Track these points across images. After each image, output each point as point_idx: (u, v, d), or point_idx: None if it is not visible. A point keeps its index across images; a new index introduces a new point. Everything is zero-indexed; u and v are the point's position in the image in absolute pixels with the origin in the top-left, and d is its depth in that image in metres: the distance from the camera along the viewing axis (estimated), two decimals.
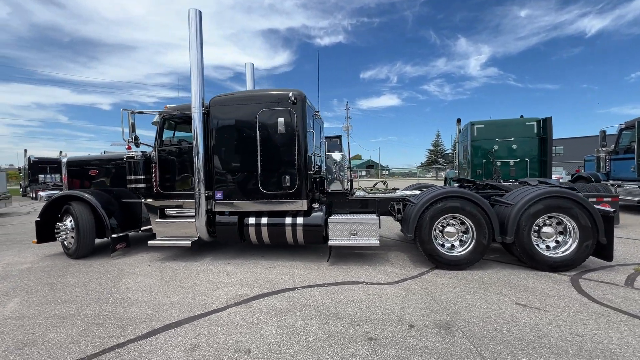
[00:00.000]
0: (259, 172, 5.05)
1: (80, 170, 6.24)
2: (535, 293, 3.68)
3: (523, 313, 3.19)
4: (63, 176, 6.27)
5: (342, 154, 5.66)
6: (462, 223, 4.70)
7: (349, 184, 5.76)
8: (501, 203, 4.83)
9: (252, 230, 5.16)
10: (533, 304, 3.40)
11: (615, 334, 2.76)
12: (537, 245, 4.53)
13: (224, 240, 5.31)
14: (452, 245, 4.75)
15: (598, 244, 4.32)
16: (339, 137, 20.72)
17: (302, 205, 5.02)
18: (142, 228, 5.96)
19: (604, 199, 7.65)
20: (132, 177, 5.51)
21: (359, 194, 5.85)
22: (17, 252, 6.06)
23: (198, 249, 6.06)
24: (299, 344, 2.70)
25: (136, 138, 5.20)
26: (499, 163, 11.18)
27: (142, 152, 5.64)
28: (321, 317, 3.20)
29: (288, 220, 5.09)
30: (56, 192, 5.87)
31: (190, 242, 5.27)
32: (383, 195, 5.64)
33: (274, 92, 5.02)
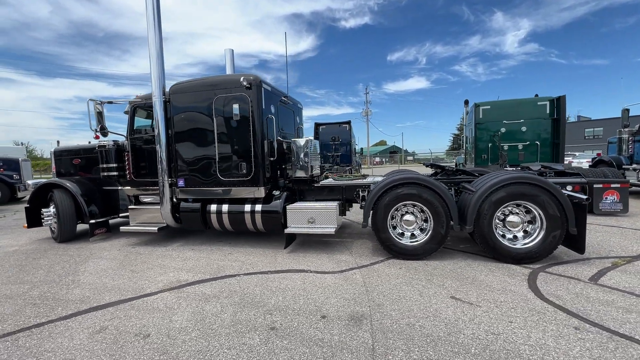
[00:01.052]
0: (217, 159, 5.04)
1: (67, 159, 6.59)
2: (480, 286, 3.43)
3: (450, 308, 2.98)
4: (52, 165, 6.66)
5: (308, 140, 5.51)
6: (423, 211, 4.45)
7: (314, 170, 5.63)
8: (467, 190, 4.51)
9: (214, 217, 5.22)
10: (469, 298, 3.17)
11: (537, 333, 2.51)
12: (504, 235, 4.20)
13: (189, 226, 5.42)
14: (413, 234, 4.53)
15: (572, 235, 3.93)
16: (348, 122, 20.33)
17: (259, 192, 4.98)
18: (121, 214, 6.23)
19: (612, 185, 6.95)
20: (105, 166, 5.73)
21: (326, 180, 5.70)
22: (16, 236, 6.58)
23: (174, 234, 6.25)
24: (200, 331, 2.71)
25: (102, 128, 5.36)
26: (505, 147, 10.45)
27: (113, 141, 5.83)
28: (241, 304, 3.18)
29: (247, 207, 5.09)
30: (41, 180, 6.24)
31: (157, 228, 5.44)
32: (348, 182, 5.45)
33: (228, 78, 4.94)
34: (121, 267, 4.44)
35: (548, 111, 10.17)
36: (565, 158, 22.53)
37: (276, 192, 5.21)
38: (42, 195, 6.10)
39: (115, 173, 5.78)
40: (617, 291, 3.21)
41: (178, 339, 2.60)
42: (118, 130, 5.84)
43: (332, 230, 4.69)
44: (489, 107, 10.69)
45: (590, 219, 6.53)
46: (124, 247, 5.53)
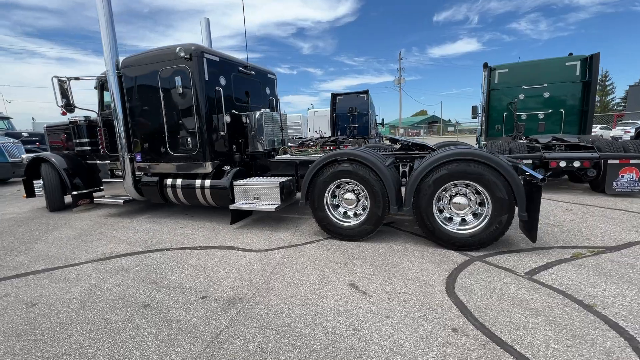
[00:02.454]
0: (166, 134, 5.03)
1: (55, 135, 7.04)
2: (393, 274, 3.13)
3: (338, 297, 2.76)
4: (47, 141, 7.17)
5: (262, 112, 5.27)
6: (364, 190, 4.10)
7: (270, 144, 5.42)
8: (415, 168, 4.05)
9: (169, 191, 5.31)
10: (368, 287, 2.90)
11: (403, 333, 2.22)
12: (451, 218, 3.76)
13: (151, 200, 5.60)
14: (356, 214, 4.24)
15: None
16: (366, 92, 19.38)
17: (206, 167, 4.92)
18: (102, 187, 6.61)
19: (631, 161, 5.87)
20: (77, 141, 6.03)
21: (282, 156, 5.48)
22: (22, 205, 7.32)
23: (154, 207, 6.54)
24: (81, 303, 2.81)
25: (68, 104, 5.57)
26: (523, 116, 9.25)
27: (85, 117, 6.07)
28: (141, 279, 3.24)
29: (198, 182, 5.09)
30: (31, 155, 6.78)
31: (122, 201, 5.72)
32: (301, 157, 5.18)
33: (168, 49, 4.76)
34: (77, 237, 4.75)
35: (578, 73, 8.70)
36: (622, 127, 19.58)
37: (227, 167, 5.13)
38: (34, 169, 6.64)
39: (88, 148, 6.07)
40: (546, 288, 2.73)
41: (60, 309, 2.72)
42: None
43: (272, 208, 4.55)
44: (506, 70, 9.41)
45: (598, 199, 5.67)
46: (97, 217, 5.91)
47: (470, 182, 3.53)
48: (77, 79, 5.79)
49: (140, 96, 5.12)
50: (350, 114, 19.30)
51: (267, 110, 5.51)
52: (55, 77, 5.45)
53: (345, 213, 4.26)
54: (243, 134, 5.43)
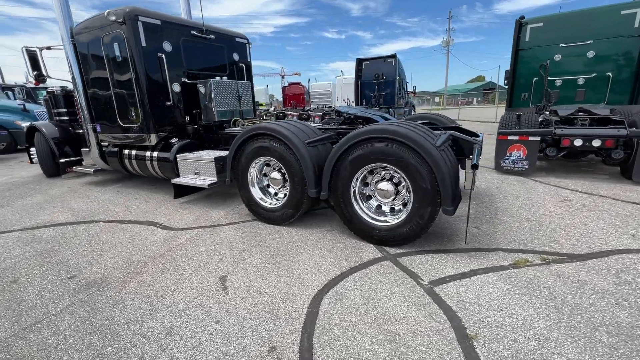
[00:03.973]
0: (115, 104, 4.93)
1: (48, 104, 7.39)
2: (280, 270, 2.75)
3: (191, 291, 2.48)
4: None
5: (213, 81, 4.89)
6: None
7: (223, 115, 5.09)
8: None
9: (127, 161, 5.32)
10: (237, 283, 2.58)
11: (208, 345, 1.89)
12: (380, 206, 3.20)
13: (116, 170, 5.69)
14: (280, 195, 3.85)
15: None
16: (394, 56, 17.77)
17: (151, 139, 4.77)
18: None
19: None
20: (55, 111, 6.25)
21: (232, 128, 5.11)
22: (30, 171, 8.00)
23: (133, 177, 6.73)
24: None
25: (39, 74, 5.70)
26: (557, 82, 7.67)
27: (61, 87, 6.22)
28: (40, 253, 3.25)
29: (147, 153, 5.00)
30: (28, 124, 7.24)
31: (92, 170, 5.91)
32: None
33: (106, 13, 4.50)
34: (39, 204, 5.02)
35: (637, 24, 6.81)
36: None
37: (174, 140, 4.95)
38: (32, 137, 7.13)
39: (65, 118, 6.29)
40: (434, 305, 2.17)
41: None
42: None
43: (205, 184, 4.30)
44: (540, 24, 7.73)
45: (619, 188, 4.62)
46: (75, 185, 6.23)
47: (387, 166, 2.90)
48: (48, 48, 5.87)
49: (92, 65, 5.02)
50: (376, 81, 17.92)
51: (220, 78, 5.10)
52: (25, 47, 5.56)
53: (276, 194, 3.88)
54: (196, 104, 5.14)
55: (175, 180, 4.59)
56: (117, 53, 4.50)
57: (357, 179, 3.12)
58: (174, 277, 2.69)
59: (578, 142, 4.94)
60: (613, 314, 2.02)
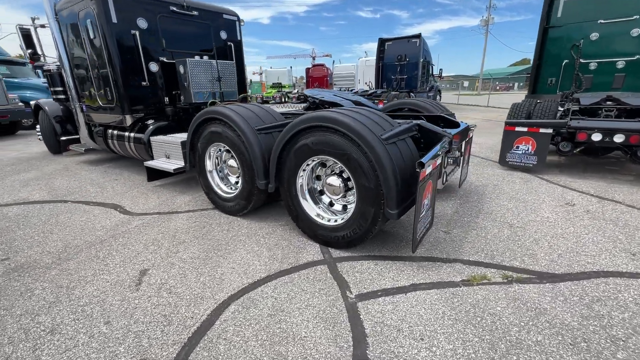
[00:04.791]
0: (93, 83, 4.88)
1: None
2: (205, 267, 2.56)
3: (104, 284, 2.35)
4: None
5: (190, 60, 4.67)
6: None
7: (202, 97, 4.88)
8: None
9: (110, 141, 5.32)
10: (154, 279, 2.42)
11: (79, 351, 1.74)
12: (332, 204, 2.90)
13: (104, 149, 5.73)
14: (236, 184, 3.63)
15: None
16: (418, 36, 16.67)
17: (126, 120, 4.69)
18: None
19: None
20: (53, 89, 6.37)
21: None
22: (42, 147, 8.36)
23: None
24: None
25: (34, 53, 5.78)
26: (592, 66, 6.67)
27: (57, 65, 6.29)
28: None
29: (126, 133, 4.95)
30: (34, 102, 7.49)
31: (83, 149, 6.01)
32: None
33: None
34: (27, 181, 5.18)
35: None
36: None
37: (151, 121, 4.84)
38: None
39: (62, 96, 6.39)
40: (344, 325, 1.87)
41: None
42: None
43: (171, 168, 4.16)
44: None
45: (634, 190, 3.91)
46: (71, 163, 6.40)
47: (329, 158, 2.55)
48: (42, 26, 5.91)
49: (74, 44, 4.98)
50: (399, 63, 16.93)
51: (201, 57, 4.86)
52: (19, 25, 5.63)
53: (236, 183, 3.67)
54: (176, 84, 4.97)
55: (147, 163, 4.50)
56: (90, 30, 4.39)
57: (304, 171, 2.81)
58: (98, 267, 2.58)
59: (597, 137, 4.23)
60: (561, 358, 1.62)
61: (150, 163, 4.43)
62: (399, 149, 2.39)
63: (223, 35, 5.68)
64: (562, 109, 5.18)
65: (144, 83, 4.66)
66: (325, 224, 2.75)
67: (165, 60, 4.85)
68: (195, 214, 3.62)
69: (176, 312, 2.02)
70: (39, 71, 14.46)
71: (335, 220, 2.73)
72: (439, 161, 2.53)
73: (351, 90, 17.93)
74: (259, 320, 1.93)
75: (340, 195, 2.74)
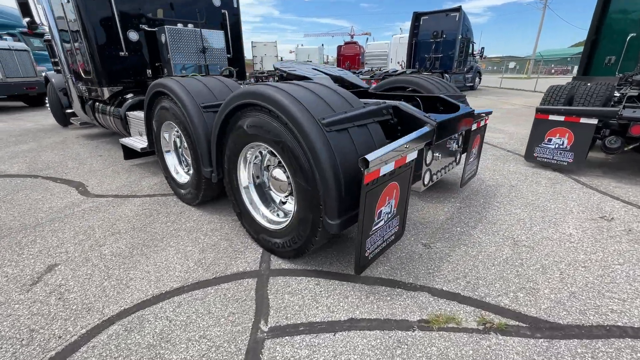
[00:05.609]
0: (75, 55, 4.62)
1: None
2: (129, 264, 2.19)
3: (2, 278, 2.05)
4: None
5: (169, 28, 4.23)
6: None
7: (183, 70, 4.46)
8: None
9: (97, 115, 5.13)
10: (62, 276, 2.08)
11: None
12: (285, 202, 2.38)
13: (94, 123, 5.57)
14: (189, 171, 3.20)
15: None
16: (458, 9, 15.09)
17: (103, 93, 4.41)
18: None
19: None
20: (52, 60, 6.28)
21: None
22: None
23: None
24: None
25: (31, 22, 5.64)
26: None
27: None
28: None
29: (108, 107, 4.69)
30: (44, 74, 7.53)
31: (79, 123, 5.91)
32: None
33: None
34: (19, 152, 5.16)
35: None
36: None
37: (129, 95, 4.51)
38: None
39: (59, 67, 6.30)
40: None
41: None
42: None
43: (139, 147, 3.83)
44: None
45: None
46: (71, 136, 6.37)
47: (265, 146, 2.00)
48: None
49: (58, 11, 4.71)
50: (434, 40, 15.38)
51: (183, 25, 4.39)
52: None
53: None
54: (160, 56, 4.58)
55: (121, 140, 4.22)
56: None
57: (246, 160, 2.29)
58: (10, 256, 2.30)
59: None
60: None
61: (123, 140, 4.13)
62: (351, 139, 1.78)
63: (216, 2, 5.14)
64: (617, 95, 4.13)
65: (122, 53, 4.31)
66: (268, 226, 2.24)
67: (147, 28, 4.45)
68: (151, 200, 3.27)
69: (47, 328, 1.66)
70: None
71: (279, 224, 2.21)
72: (411, 156, 1.88)
73: (381, 69, 16.63)
74: (132, 352, 1.51)
75: (288, 192, 2.20)
